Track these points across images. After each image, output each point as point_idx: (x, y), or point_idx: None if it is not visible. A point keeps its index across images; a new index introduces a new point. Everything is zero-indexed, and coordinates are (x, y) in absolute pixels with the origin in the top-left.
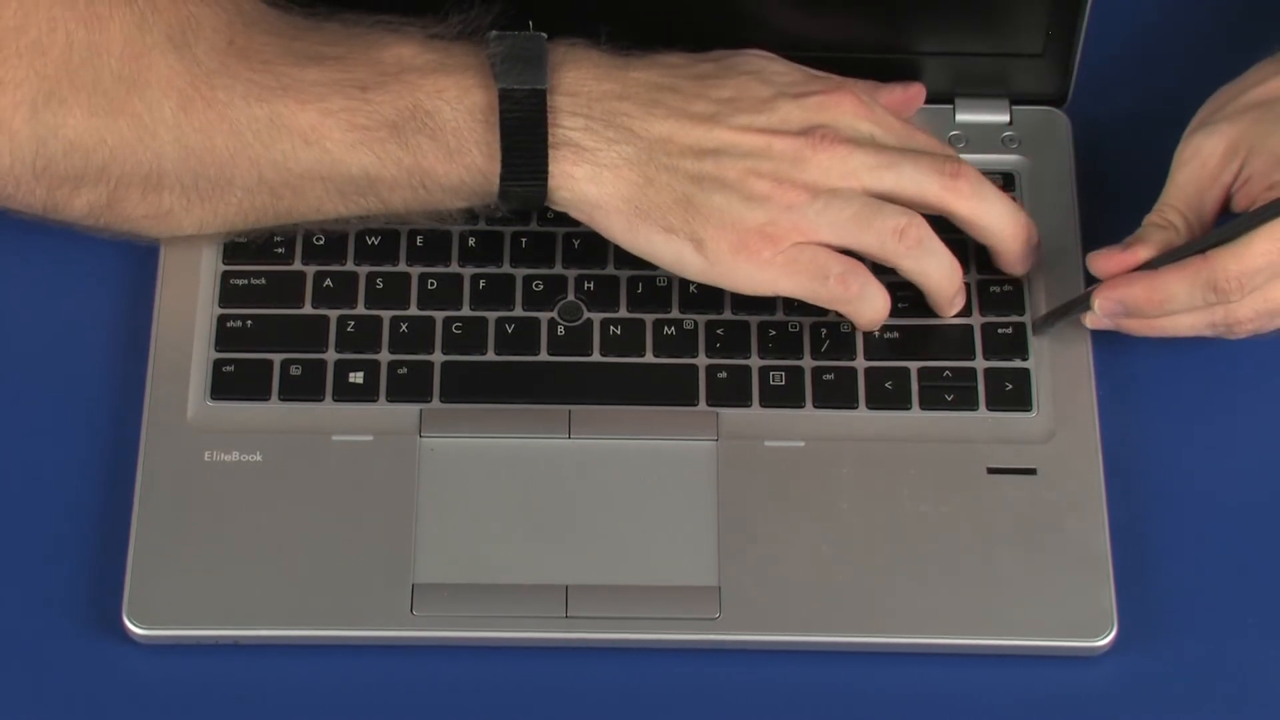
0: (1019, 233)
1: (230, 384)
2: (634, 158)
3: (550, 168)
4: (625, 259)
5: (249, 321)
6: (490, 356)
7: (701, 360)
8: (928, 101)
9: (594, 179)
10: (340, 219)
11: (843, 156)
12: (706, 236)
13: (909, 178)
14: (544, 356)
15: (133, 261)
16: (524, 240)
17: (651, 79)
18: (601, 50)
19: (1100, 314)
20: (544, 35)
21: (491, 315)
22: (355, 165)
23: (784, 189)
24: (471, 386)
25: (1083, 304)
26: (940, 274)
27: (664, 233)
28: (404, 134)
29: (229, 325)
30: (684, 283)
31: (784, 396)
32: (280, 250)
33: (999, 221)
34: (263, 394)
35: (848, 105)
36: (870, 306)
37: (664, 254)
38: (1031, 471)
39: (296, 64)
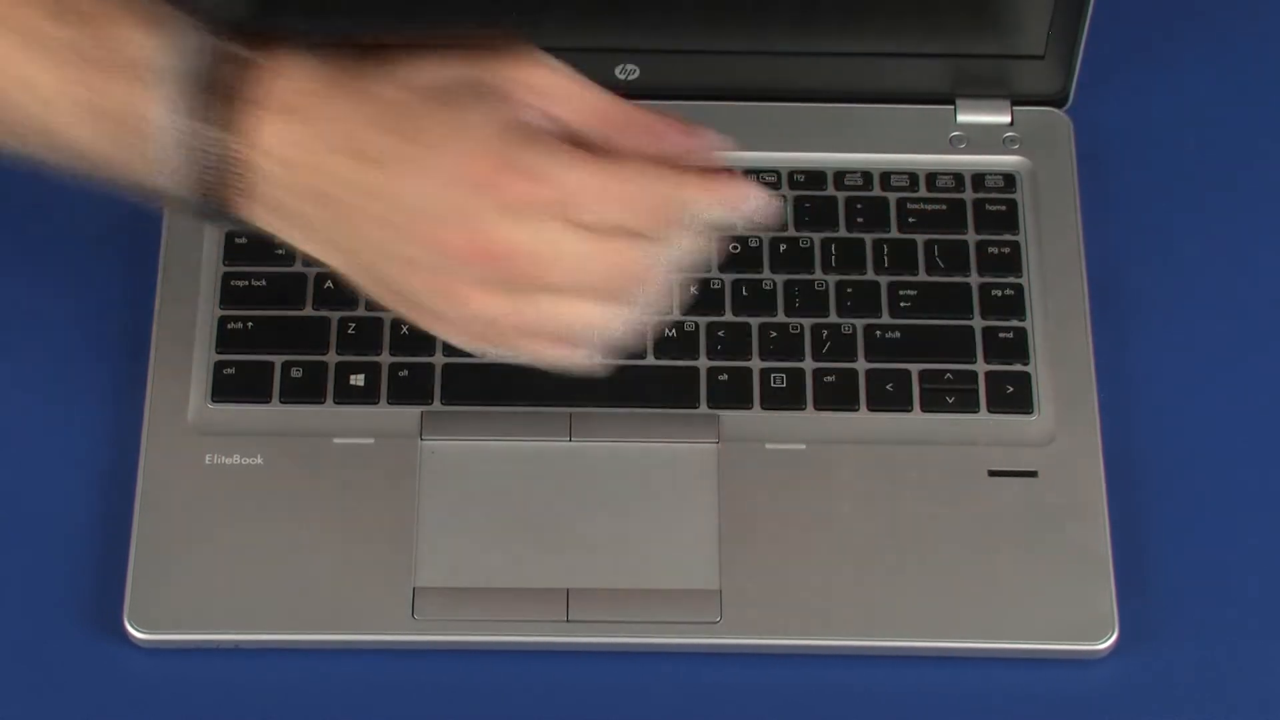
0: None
1: (231, 386)
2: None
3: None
4: None
5: (250, 323)
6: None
7: (702, 363)
8: (929, 101)
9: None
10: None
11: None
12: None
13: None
14: None
15: (133, 262)
16: None
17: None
18: (314, 74)
19: None
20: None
21: None
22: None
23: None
24: (472, 389)
25: None
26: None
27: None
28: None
29: (230, 327)
30: (684, 285)
31: (785, 399)
32: (281, 251)
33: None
34: (263, 396)
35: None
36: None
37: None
38: (1032, 474)
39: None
